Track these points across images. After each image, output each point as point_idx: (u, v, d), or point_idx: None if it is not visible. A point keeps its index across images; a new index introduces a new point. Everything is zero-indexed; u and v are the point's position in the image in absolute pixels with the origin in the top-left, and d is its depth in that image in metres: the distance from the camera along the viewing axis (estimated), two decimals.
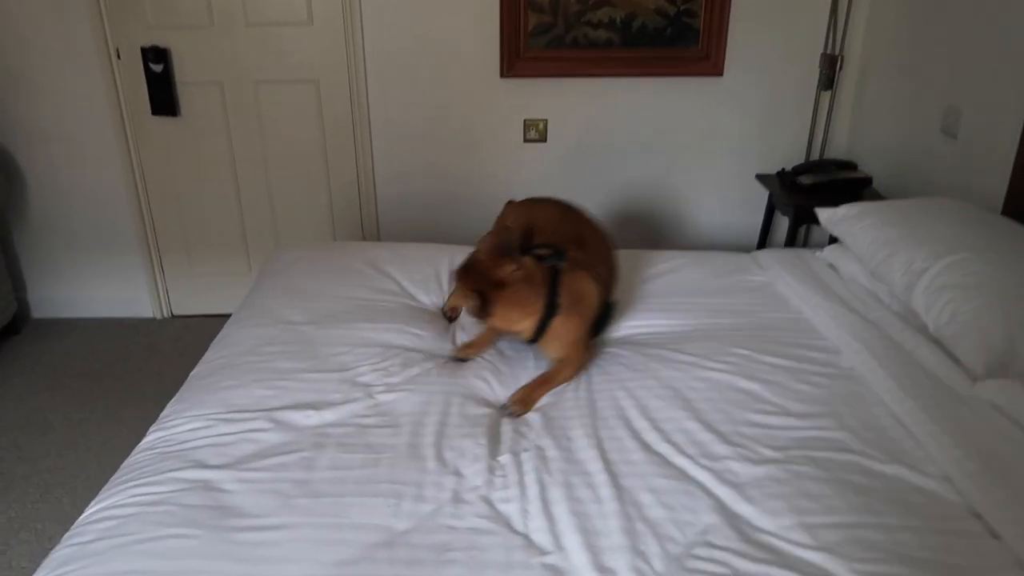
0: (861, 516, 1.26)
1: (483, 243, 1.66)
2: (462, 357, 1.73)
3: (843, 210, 2.22)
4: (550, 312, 1.64)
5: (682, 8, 2.88)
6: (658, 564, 1.16)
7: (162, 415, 1.54)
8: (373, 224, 3.22)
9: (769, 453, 1.42)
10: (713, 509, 1.28)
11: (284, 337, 1.74)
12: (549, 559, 1.17)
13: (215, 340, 1.83)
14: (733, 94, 3.02)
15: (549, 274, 1.66)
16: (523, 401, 1.57)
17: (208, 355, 1.75)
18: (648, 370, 1.67)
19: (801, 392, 1.60)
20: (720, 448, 1.43)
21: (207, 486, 1.30)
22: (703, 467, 1.38)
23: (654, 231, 3.27)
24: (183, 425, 1.47)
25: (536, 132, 3.07)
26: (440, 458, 1.39)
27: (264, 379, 1.58)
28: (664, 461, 1.40)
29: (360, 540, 1.18)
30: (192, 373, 1.70)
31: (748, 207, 3.22)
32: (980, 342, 1.62)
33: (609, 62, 2.94)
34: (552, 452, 1.40)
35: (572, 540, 1.20)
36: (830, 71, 2.93)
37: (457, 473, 1.35)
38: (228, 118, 3.00)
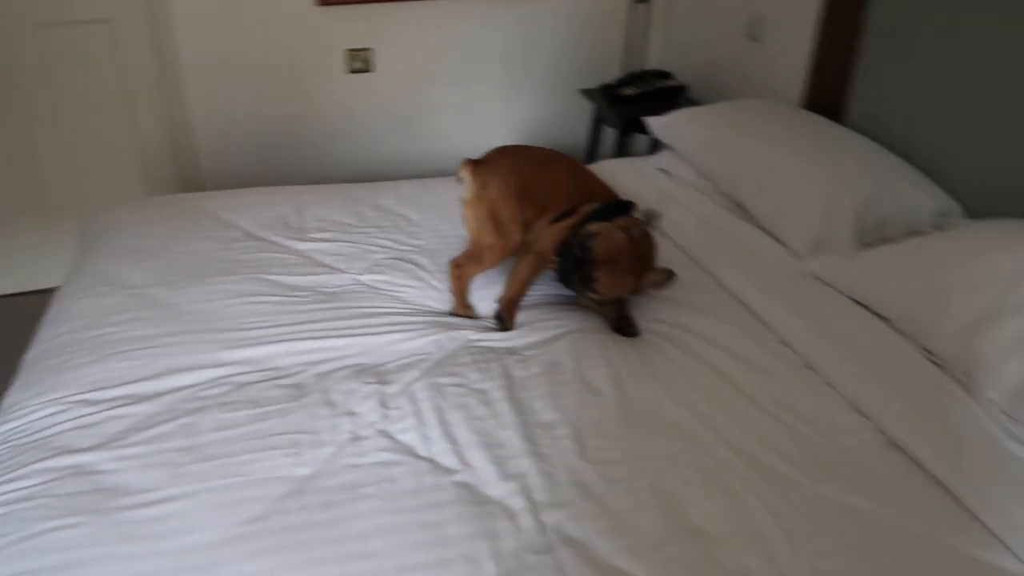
0: (720, 381, 1.44)
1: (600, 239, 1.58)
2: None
3: (669, 118, 2.36)
4: None
5: None
6: (558, 462, 1.24)
7: (4, 406, 1.39)
8: (194, 174, 2.98)
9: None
10: (595, 406, 1.37)
11: (133, 303, 1.61)
12: (459, 477, 1.21)
13: (47, 317, 1.64)
14: (553, 12, 3.06)
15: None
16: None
17: (43, 334, 1.58)
18: None
19: None
20: (594, 349, 1.53)
21: (81, 471, 1.20)
22: (584, 368, 1.47)
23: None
24: (35, 412, 1.33)
25: (361, 62, 2.95)
26: (329, 402, 1.37)
27: (121, 350, 1.46)
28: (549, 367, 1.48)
29: (265, 494, 1.16)
30: (27, 356, 1.53)
31: (574, 121, 3.33)
32: (800, 224, 1.82)
33: None
34: (443, 379, 1.42)
35: (477, 456, 1.25)
36: None
37: (350, 413, 1.34)
38: (9, 68, 2.62)
